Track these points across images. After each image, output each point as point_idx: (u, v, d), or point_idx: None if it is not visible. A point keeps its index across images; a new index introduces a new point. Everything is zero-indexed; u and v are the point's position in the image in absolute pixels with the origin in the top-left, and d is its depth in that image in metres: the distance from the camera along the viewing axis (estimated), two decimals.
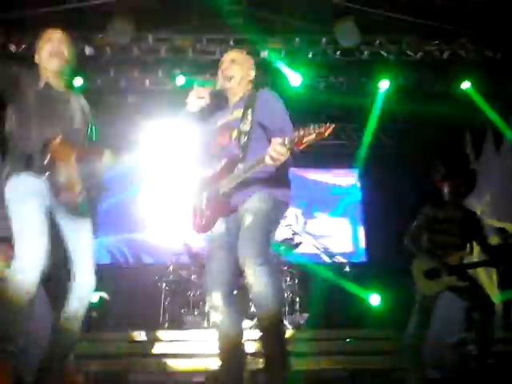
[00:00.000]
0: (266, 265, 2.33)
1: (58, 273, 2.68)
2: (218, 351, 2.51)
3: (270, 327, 2.33)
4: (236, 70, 2.68)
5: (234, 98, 2.72)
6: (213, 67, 6.76)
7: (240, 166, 2.50)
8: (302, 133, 2.14)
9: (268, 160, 2.24)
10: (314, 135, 2.12)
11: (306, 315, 6.05)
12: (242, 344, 2.52)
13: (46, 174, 2.42)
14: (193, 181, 2.79)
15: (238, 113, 2.63)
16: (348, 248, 8.55)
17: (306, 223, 8.31)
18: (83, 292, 2.55)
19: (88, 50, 6.42)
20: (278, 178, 2.50)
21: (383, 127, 7.83)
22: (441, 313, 3.69)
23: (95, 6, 5.93)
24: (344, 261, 8.37)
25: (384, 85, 7.01)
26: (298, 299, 6.12)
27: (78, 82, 6.56)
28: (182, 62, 6.76)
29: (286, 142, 2.18)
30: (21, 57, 6.25)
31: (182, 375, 3.97)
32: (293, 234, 6.62)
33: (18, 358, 2.40)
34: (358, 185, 8.86)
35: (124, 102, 7.43)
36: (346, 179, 8.93)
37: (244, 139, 2.53)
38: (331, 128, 2.12)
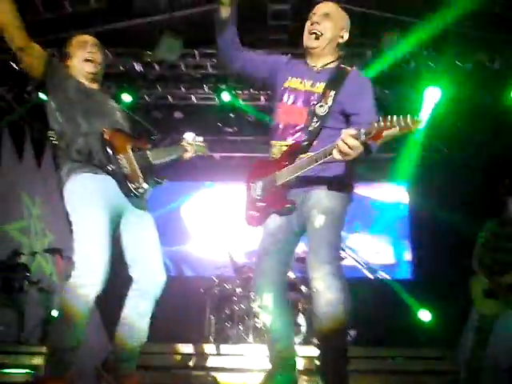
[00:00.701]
0: (339, 270, 2.13)
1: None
2: (268, 355, 2.34)
3: (335, 339, 2.11)
4: (329, 26, 2.26)
5: (317, 62, 2.32)
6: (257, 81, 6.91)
7: (303, 156, 2.19)
8: (382, 124, 1.81)
9: (336, 154, 1.93)
10: (397, 128, 1.77)
11: (353, 332, 5.92)
12: (294, 348, 2.34)
13: (110, 167, 2.33)
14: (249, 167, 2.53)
15: (319, 88, 2.24)
16: (391, 263, 8.36)
17: (346, 238, 8.19)
18: (154, 289, 2.43)
19: (137, 67, 6.61)
20: (346, 174, 2.23)
21: (432, 140, 7.65)
22: (499, 334, 3.51)
23: (144, 23, 6.12)
24: (387, 276, 8.18)
25: (434, 96, 6.85)
26: None
27: (126, 98, 6.77)
28: (228, 76, 6.85)
29: (361, 135, 1.85)
30: None
31: None
32: None
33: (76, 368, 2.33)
34: (404, 199, 8.66)
35: (170, 118, 7.59)
36: (390, 193, 8.75)
37: (315, 124, 2.18)
38: (419, 123, 1.76)
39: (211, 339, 5.85)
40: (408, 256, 8.31)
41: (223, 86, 6.86)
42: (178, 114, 7.50)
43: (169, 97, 7.32)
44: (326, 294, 2.09)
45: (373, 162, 8.29)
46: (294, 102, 2.30)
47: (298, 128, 2.26)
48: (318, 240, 2.16)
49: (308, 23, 2.33)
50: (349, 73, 2.25)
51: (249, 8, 6.11)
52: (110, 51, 6.49)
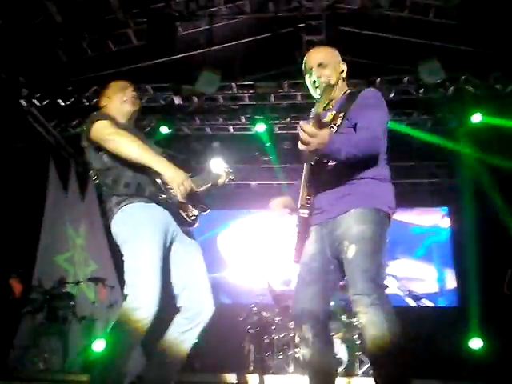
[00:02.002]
0: (381, 299, 2.01)
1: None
2: None
3: (394, 375, 1.97)
4: (328, 73, 2.32)
5: (330, 103, 2.35)
6: (294, 111, 7.04)
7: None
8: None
9: (299, 145, 1.97)
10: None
11: None
12: (334, 379, 2.23)
13: (163, 196, 2.31)
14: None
15: (330, 116, 2.28)
16: (434, 291, 8.15)
17: (387, 265, 8.04)
18: (204, 318, 2.43)
19: (176, 100, 6.83)
20: (373, 188, 2.17)
21: (472, 164, 7.51)
22: None
23: (184, 58, 6.35)
24: (431, 304, 7.96)
25: (475, 119, 6.76)
26: None
27: (164, 129, 6.97)
28: (264, 107, 6.98)
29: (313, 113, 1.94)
30: None
31: None
32: None
33: None
34: (445, 224, 8.48)
35: (208, 148, 7.76)
36: (431, 218, 8.59)
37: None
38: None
39: (250, 369, 5.80)
40: (450, 282, 8.08)
41: (260, 117, 6.99)
42: (215, 144, 7.66)
43: (207, 128, 7.50)
44: (370, 329, 2.01)
45: (414, 186, 8.26)
46: None
47: None
48: (353, 272, 2.07)
49: (309, 79, 2.38)
50: (358, 94, 2.27)
51: (284, 39, 6.28)
52: (151, 86, 6.76)
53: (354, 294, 2.04)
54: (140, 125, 2.54)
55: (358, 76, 6.63)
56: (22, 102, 6.84)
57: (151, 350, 2.44)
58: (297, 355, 5.39)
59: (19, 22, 5.68)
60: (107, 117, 2.49)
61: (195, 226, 2.48)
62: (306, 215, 2.20)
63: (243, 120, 7.33)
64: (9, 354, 5.38)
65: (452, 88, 6.51)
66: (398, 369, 1.97)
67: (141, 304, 2.19)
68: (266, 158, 7.99)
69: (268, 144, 7.60)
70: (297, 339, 2.36)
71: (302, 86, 6.70)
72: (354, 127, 2.15)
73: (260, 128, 7.06)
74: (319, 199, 2.21)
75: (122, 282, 2.50)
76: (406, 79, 6.55)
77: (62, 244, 7.18)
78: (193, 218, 2.42)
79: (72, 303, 5.97)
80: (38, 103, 6.90)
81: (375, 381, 2.03)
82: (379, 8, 5.88)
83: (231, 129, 7.51)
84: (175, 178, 2.26)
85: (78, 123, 7.21)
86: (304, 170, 2.25)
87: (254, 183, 8.59)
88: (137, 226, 2.30)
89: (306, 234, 2.26)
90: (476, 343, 6.47)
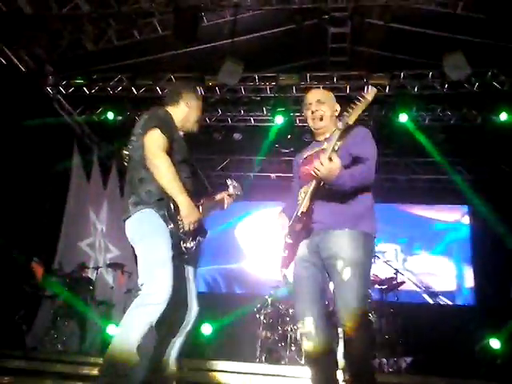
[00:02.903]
0: (367, 317, 2.47)
1: None
2: (310, 379, 2.47)
3: (364, 377, 2.34)
4: (325, 108, 2.72)
5: (324, 135, 2.74)
6: None
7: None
8: (351, 109, 2.33)
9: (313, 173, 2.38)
10: (361, 104, 2.32)
11: (409, 359, 5.72)
12: (336, 373, 2.46)
13: (170, 226, 2.54)
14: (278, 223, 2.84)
15: (325, 145, 2.59)
16: (452, 288, 8.05)
17: (405, 260, 7.96)
18: (195, 315, 2.74)
19: (199, 91, 6.86)
20: (363, 211, 2.53)
21: (495, 162, 7.38)
22: None
23: (208, 49, 6.37)
24: (448, 302, 7.87)
25: (503, 117, 6.62)
26: (400, 341, 5.82)
27: None
28: (286, 99, 6.95)
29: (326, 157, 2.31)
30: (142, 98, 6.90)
31: None
32: (395, 273, 6.37)
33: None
34: (466, 221, 8.36)
35: (230, 139, 7.78)
36: (452, 215, 8.48)
37: None
38: (374, 92, 2.34)
39: (263, 359, 5.85)
40: (469, 280, 7.98)
41: (281, 109, 6.97)
42: (237, 136, 7.68)
43: (228, 119, 7.52)
44: (355, 342, 2.33)
45: (436, 182, 8.15)
46: (310, 163, 2.61)
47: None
48: (346, 292, 2.37)
49: (308, 112, 2.76)
50: (353, 129, 2.57)
51: (308, 31, 6.24)
52: (174, 76, 6.81)
53: (345, 311, 2.35)
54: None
55: (381, 69, 6.57)
56: (48, 89, 6.99)
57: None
58: None
59: (47, 11, 5.77)
60: (167, 123, 2.64)
61: (186, 257, 2.68)
62: (299, 229, 2.55)
63: (264, 112, 7.32)
64: (29, 335, 5.55)
65: (478, 84, 6.38)
66: (367, 369, 2.38)
67: (156, 290, 2.44)
68: (287, 151, 7.97)
69: (289, 137, 7.59)
70: (298, 333, 2.56)
71: (325, 79, 6.67)
72: (348, 154, 2.53)
73: (278, 120, 7.05)
74: (315, 213, 2.52)
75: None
76: (430, 74, 6.44)
77: (84, 230, 7.33)
78: (190, 250, 2.64)
79: (91, 287, 6.10)
80: (63, 91, 7.03)
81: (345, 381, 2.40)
82: (406, 0, 5.78)
83: (252, 120, 7.51)
84: (189, 217, 2.55)
85: (103, 111, 7.31)
86: (304, 188, 2.59)
87: (273, 175, 8.58)
88: (154, 226, 2.54)
89: (296, 245, 2.59)
90: (494, 343, 6.36)
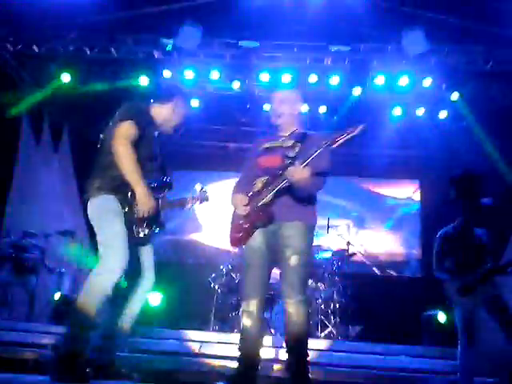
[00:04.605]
0: (306, 298, 2.85)
1: None
2: (239, 353, 2.87)
3: (300, 349, 2.81)
4: (285, 108, 3.07)
5: (285, 132, 3.12)
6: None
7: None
8: (334, 136, 2.64)
9: (287, 175, 2.76)
10: (345, 135, 2.61)
11: (358, 327, 5.92)
12: (260, 351, 2.93)
13: (125, 209, 2.82)
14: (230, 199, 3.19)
15: (287, 143, 3.04)
16: (400, 260, 8.34)
17: (357, 233, 8.16)
18: (148, 286, 2.99)
19: (156, 54, 6.65)
20: (310, 207, 2.96)
21: (450, 136, 7.57)
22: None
23: (165, 11, 6.14)
24: (396, 274, 8.17)
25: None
26: (349, 311, 6.02)
27: (144, 81, 6.76)
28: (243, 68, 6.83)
29: (301, 166, 2.68)
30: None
31: None
32: (347, 245, 6.53)
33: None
34: (417, 197, 8.61)
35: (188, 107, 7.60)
36: (403, 190, 8.70)
37: (287, 162, 2.90)
38: (360, 127, 2.61)
39: (216, 327, 5.92)
40: (417, 253, 8.29)
41: (239, 77, 6.86)
42: (195, 103, 7.51)
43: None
44: (296, 317, 2.80)
45: (387, 157, 8.28)
46: (271, 154, 3.07)
47: (274, 168, 2.95)
48: (293, 276, 2.83)
49: (271, 107, 3.17)
50: (310, 133, 3.06)
51: None
52: (130, 38, 6.55)
53: (291, 292, 2.81)
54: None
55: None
56: None
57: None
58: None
59: None
60: (143, 116, 2.91)
61: (142, 244, 2.98)
62: (256, 218, 2.93)
63: (224, 79, 7.17)
64: None
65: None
66: (305, 344, 2.82)
67: (112, 260, 2.71)
68: (245, 120, 7.88)
69: (248, 106, 7.50)
70: (240, 311, 3.22)
71: (286, 48, 6.59)
72: (314, 168, 2.79)
73: (236, 86, 6.95)
74: (272, 206, 2.90)
75: (92, 237, 3.16)
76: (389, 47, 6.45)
77: (34, 195, 7.05)
78: (141, 235, 2.90)
79: (40, 255, 5.93)
80: (11, 48, 6.63)
81: (288, 352, 2.83)
82: None
83: (209, 87, 7.34)
84: (144, 205, 2.82)
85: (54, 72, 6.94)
86: (262, 178, 2.96)
87: (230, 145, 8.51)
88: (112, 209, 2.81)
89: (250, 231, 2.96)
90: (441, 317, 6.62)
